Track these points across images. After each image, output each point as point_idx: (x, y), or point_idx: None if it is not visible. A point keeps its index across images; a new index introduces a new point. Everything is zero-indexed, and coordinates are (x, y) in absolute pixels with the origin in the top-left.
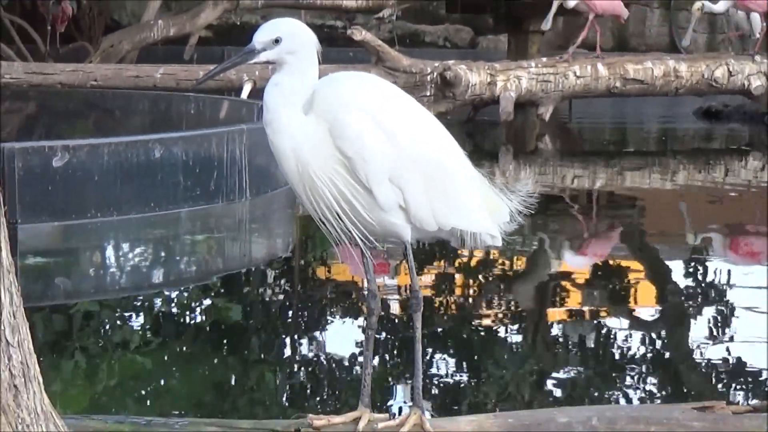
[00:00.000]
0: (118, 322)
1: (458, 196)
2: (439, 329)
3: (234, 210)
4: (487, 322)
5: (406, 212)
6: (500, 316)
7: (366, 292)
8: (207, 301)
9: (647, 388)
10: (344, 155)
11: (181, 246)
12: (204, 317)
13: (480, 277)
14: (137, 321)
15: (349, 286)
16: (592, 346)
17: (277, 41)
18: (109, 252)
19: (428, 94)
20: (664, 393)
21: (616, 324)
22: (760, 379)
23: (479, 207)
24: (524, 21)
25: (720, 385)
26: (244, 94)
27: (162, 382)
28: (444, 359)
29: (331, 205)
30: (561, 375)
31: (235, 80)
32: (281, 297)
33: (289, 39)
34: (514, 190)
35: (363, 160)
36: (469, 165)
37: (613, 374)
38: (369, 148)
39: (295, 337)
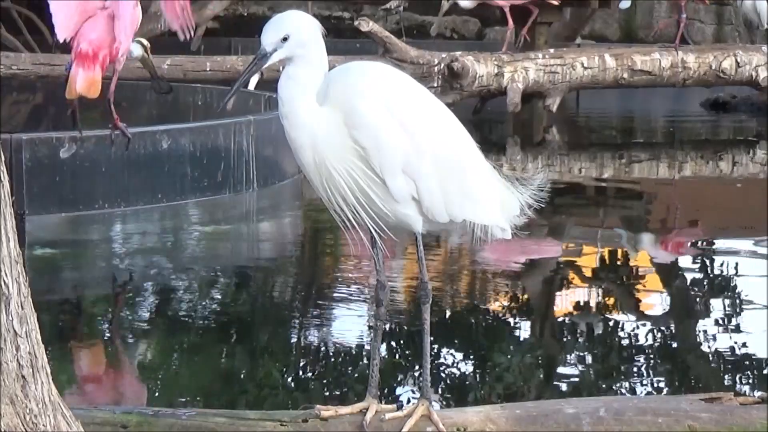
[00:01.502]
0: (126, 313)
1: (471, 189)
2: (447, 320)
3: (241, 201)
4: (494, 313)
5: (419, 204)
6: (508, 307)
7: (375, 283)
8: (214, 292)
9: (655, 379)
10: (359, 145)
11: (188, 237)
12: (211, 308)
13: (487, 268)
14: (144, 312)
15: (357, 277)
16: (600, 337)
17: (285, 39)
18: (117, 243)
19: (435, 85)
20: (671, 384)
21: (624, 315)
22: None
23: (491, 200)
24: (531, 12)
25: (727, 377)
26: (252, 85)
27: (169, 373)
28: (452, 350)
29: (346, 195)
30: (568, 366)
31: (243, 71)
32: (288, 288)
33: (297, 33)
34: (524, 183)
35: (377, 150)
36: (482, 158)
37: (621, 366)
38: (384, 138)
39: (303, 327)
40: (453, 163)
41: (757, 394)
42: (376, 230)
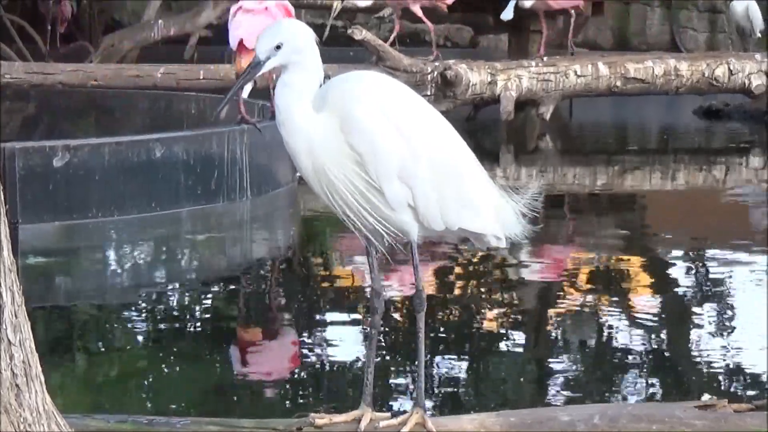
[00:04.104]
0: (120, 322)
1: (467, 197)
2: (442, 328)
3: (235, 209)
4: (489, 321)
5: (415, 211)
6: (502, 314)
7: (370, 291)
8: (208, 301)
9: (649, 386)
10: (355, 151)
11: (182, 246)
12: (205, 316)
13: (483, 276)
14: (138, 320)
15: (352, 285)
16: (594, 344)
17: (278, 47)
18: (110, 252)
19: (429, 93)
20: (665, 391)
21: (618, 323)
22: (762, 377)
23: (486, 207)
24: (525, 20)
25: (722, 384)
26: (245, 94)
27: (163, 381)
28: (446, 358)
29: (348, 200)
30: (563, 373)
31: (236, 80)
32: (283, 296)
33: (292, 41)
34: (519, 192)
35: (373, 155)
36: (478, 166)
37: (615, 373)
38: (379, 143)
39: (297, 336)
40: (449, 168)
41: (752, 401)
42: (383, 232)
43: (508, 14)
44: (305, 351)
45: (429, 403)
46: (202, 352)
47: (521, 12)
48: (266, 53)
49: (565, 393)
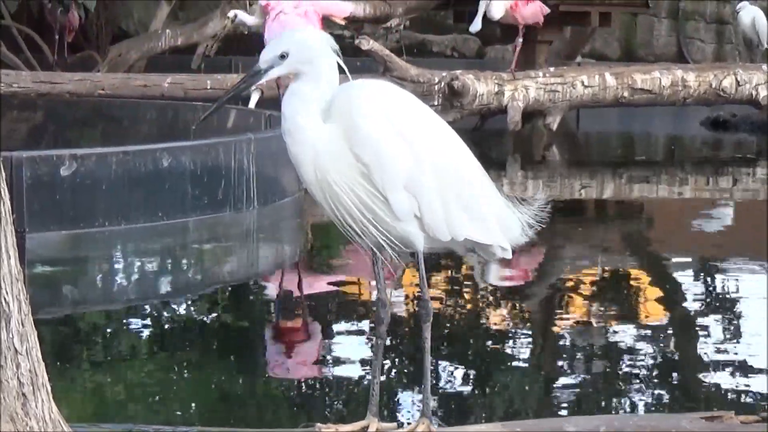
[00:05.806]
0: (126, 331)
1: (473, 207)
2: (448, 339)
3: (242, 219)
4: (495, 331)
5: (420, 221)
6: (508, 325)
7: (376, 302)
8: (214, 310)
9: (655, 397)
10: (361, 161)
11: (188, 255)
12: (211, 326)
13: (488, 286)
14: (145, 330)
15: (357, 295)
16: (600, 355)
17: (283, 56)
18: (117, 261)
19: (436, 103)
20: (672, 402)
21: (624, 333)
22: None
23: (493, 219)
24: (531, 31)
25: (728, 395)
26: (252, 103)
27: (169, 391)
28: (452, 369)
29: (351, 210)
30: (569, 384)
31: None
32: (288, 306)
33: (300, 50)
34: (526, 203)
35: (379, 164)
36: (485, 176)
37: (621, 384)
38: (385, 152)
39: (303, 346)
40: (455, 177)
41: (759, 412)
42: (385, 243)
43: (476, 26)
44: (311, 361)
45: (435, 414)
46: (209, 361)
47: (491, 23)
48: (269, 62)
49: (570, 404)
